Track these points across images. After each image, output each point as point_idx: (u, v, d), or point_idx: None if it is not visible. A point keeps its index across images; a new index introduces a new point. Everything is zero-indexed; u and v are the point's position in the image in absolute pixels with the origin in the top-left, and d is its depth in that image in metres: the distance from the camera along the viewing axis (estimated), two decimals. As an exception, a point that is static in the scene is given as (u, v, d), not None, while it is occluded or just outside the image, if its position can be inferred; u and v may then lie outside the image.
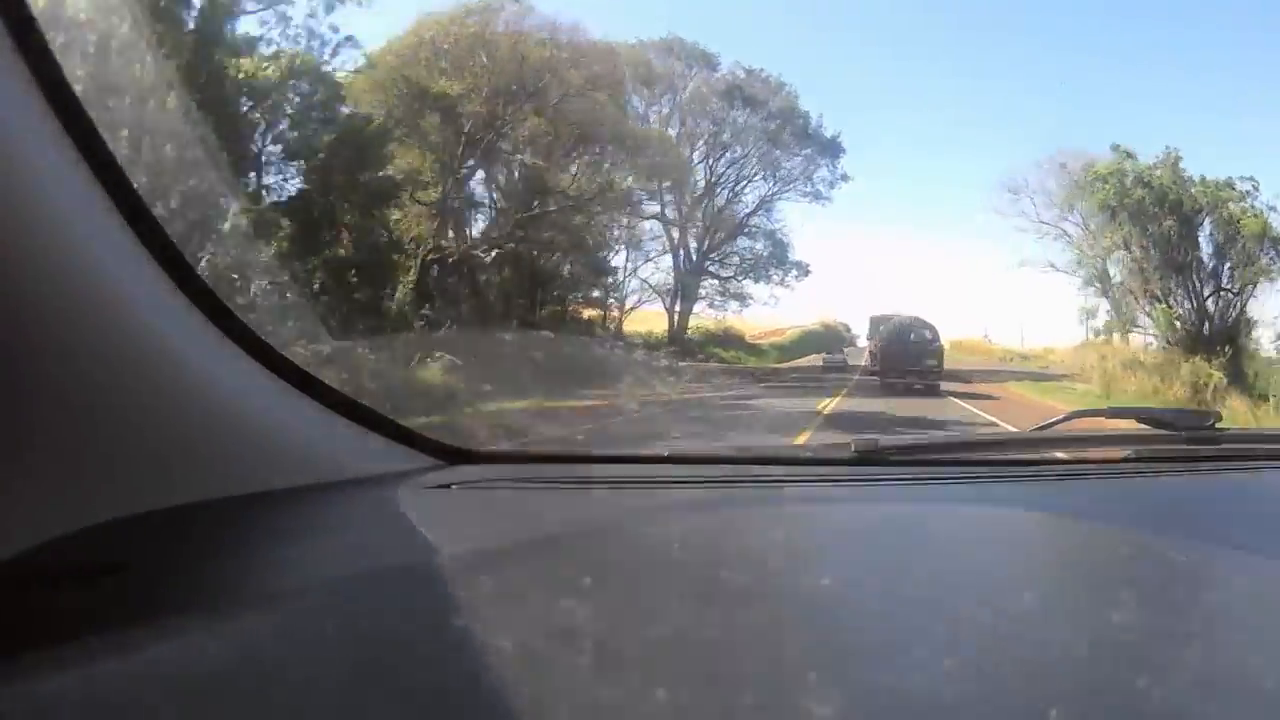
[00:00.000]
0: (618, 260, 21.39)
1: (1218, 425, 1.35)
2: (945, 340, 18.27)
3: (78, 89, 0.67)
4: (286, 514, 0.86)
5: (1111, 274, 20.21)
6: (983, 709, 0.42)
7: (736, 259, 24.94)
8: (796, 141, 24.52)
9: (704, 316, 24.54)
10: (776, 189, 24.90)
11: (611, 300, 21.52)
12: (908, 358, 15.75)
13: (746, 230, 25.15)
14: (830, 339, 28.86)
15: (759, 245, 25.08)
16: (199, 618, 0.56)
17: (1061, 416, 1.56)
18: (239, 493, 0.83)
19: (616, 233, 20.80)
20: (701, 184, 24.42)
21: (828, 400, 12.60)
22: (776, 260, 24.74)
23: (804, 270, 24.56)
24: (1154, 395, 15.30)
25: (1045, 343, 27.13)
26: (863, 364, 21.27)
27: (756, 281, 24.81)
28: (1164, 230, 17.88)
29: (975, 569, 0.70)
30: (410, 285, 13.08)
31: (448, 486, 1.04)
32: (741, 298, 24.69)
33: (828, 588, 0.60)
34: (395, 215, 13.97)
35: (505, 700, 0.42)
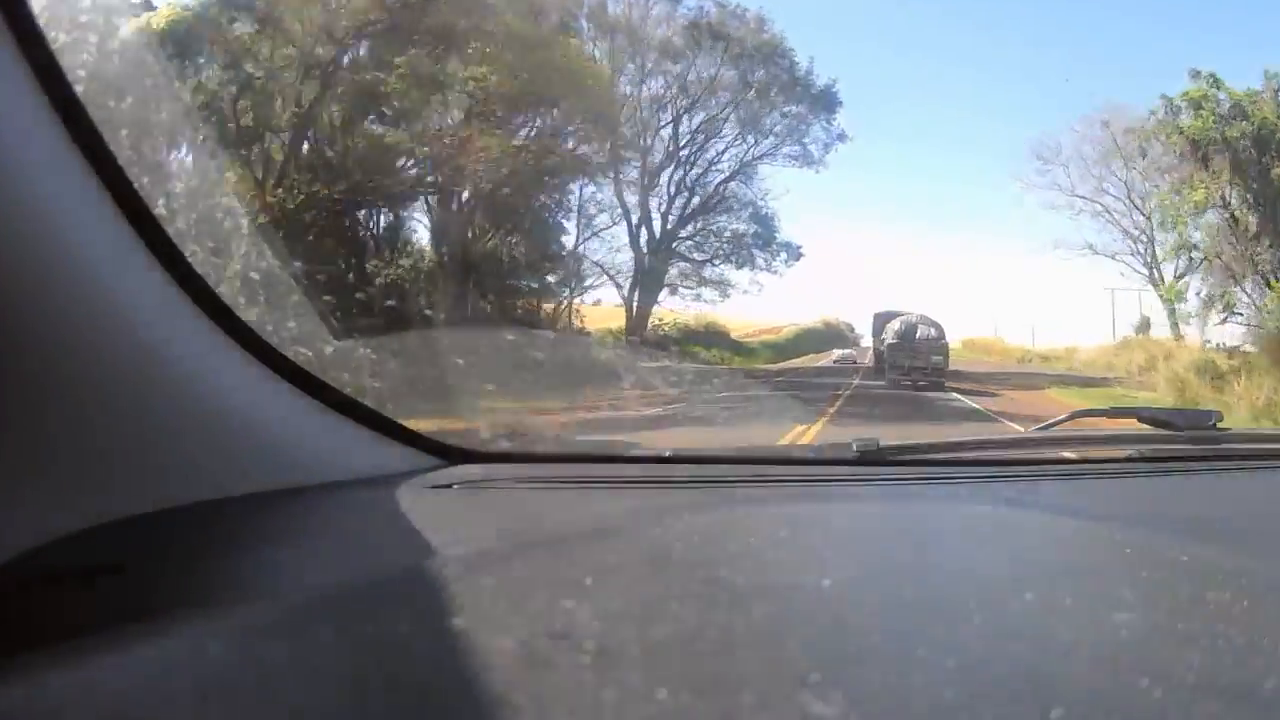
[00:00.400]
0: (559, 237, 17.11)
1: (1219, 425, 1.35)
2: (958, 339, 17.36)
3: (78, 88, 0.67)
4: (287, 514, 0.86)
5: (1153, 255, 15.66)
6: (984, 709, 0.42)
7: (712, 238, 20.00)
8: (782, 92, 19.18)
9: (681, 309, 20.08)
10: (759, 150, 19.62)
11: (551, 284, 17.21)
12: (914, 356, 15.63)
13: (722, 202, 19.78)
14: (831, 338, 25.85)
15: (740, 223, 19.83)
16: (199, 618, 0.56)
17: (1063, 416, 1.56)
18: (239, 493, 0.82)
19: (552, 198, 16.15)
20: (664, 145, 19.07)
21: (801, 429, 7.91)
22: (761, 240, 19.58)
23: (795, 253, 19.62)
24: (1268, 412, 10.95)
25: (1054, 340, 23.63)
26: (866, 364, 19.02)
27: (739, 267, 19.62)
28: (1275, 181, 13.12)
29: (976, 569, 0.70)
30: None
31: (449, 486, 1.04)
32: (721, 285, 19.73)
33: (829, 587, 0.60)
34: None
35: (506, 700, 0.42)
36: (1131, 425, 1.43)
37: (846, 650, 0.49)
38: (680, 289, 20.06)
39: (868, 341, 21.06)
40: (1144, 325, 18.30)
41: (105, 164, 0.69)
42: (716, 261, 20.02)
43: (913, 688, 0.43)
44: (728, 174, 19.93)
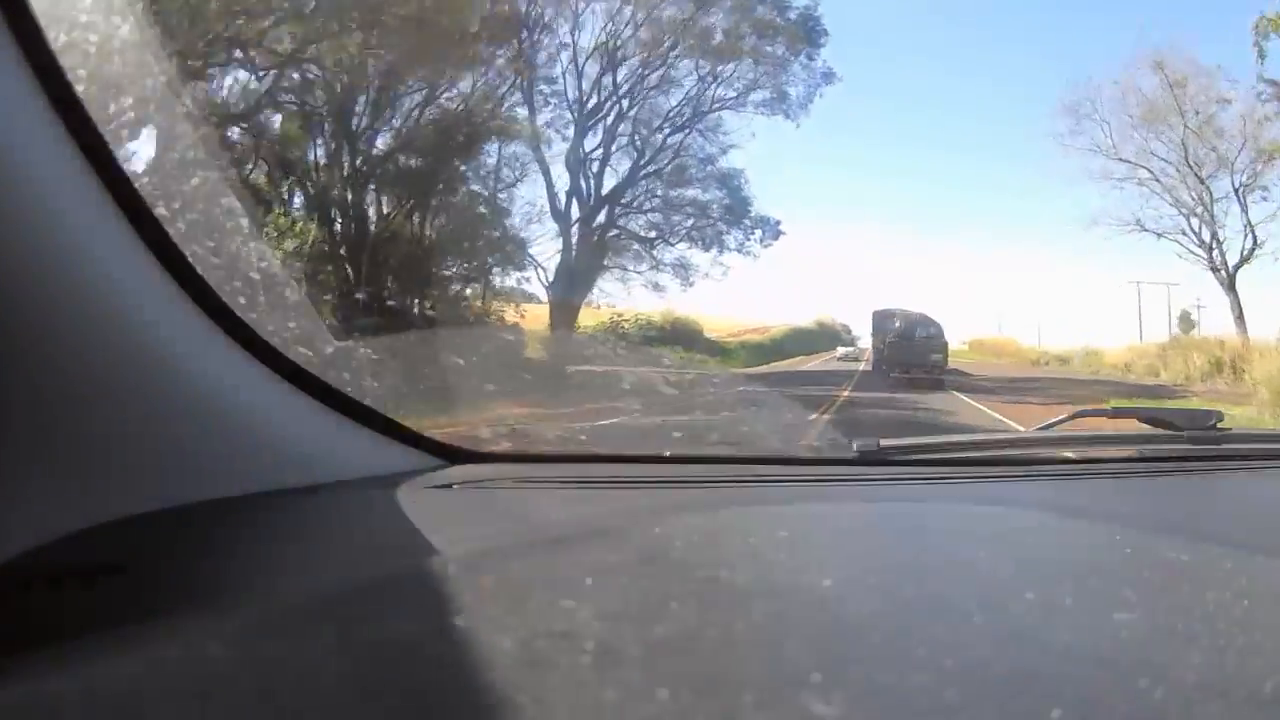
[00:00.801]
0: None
1: (1220, 425, 1.35)
2: (964, 339, 16.72)
3: (79, 88, 0.67)
4: (287, 514, 0.86)
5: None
6: (985, 709, 0.42)
7: (668, 209, 15.00)
8: (750, 21, 14.23)
9: (624, 301, 15.38)
10: (720, 92, 14.81)
11: (462, 271, 13.11)
12: (914, 354, 15.71)
13: (675, 159, 14.78)
14: (826, 338, 24.04)
15: (702, 190, 14.97)
16: (199, 618, 0.56)
17: (1064, 416, 1.56)
18: (239, 493, 0.83)
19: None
20: (600, 93, 14.27)
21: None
22: (730, 213, 15.08)
23: (773, 230, 15.34)
24: None
25: (1061, 340, 20.84)
26: (862, 368, 17.30)
27: (706, 249, 15.23)
28: None
29: (977, 569, 0.70)
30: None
31: (449, 486, 1.04)
32: (682, 269, 15.09)
33: (829, 588, 0.60)
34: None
35: (506, 700, 0.42)
36: (1132, 425, 1.43)
37: (847, 650, 0.49)
38: (630, 272, 15.11)
39: (865, 342, 20.07)
40: (1186, 321, 14.96)
41: (105, 164, 0.69)
42: (673, 239, 15.21)
43: (913, 688, 0.43)
44: (679, 124, 14.77)
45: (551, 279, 14.11)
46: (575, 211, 14.34)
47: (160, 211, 0.75)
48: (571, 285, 14.11)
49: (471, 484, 1.06)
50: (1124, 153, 13.94)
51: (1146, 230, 13.98)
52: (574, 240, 14.28)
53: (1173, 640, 0.52)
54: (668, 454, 1.27)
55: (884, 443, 1.22)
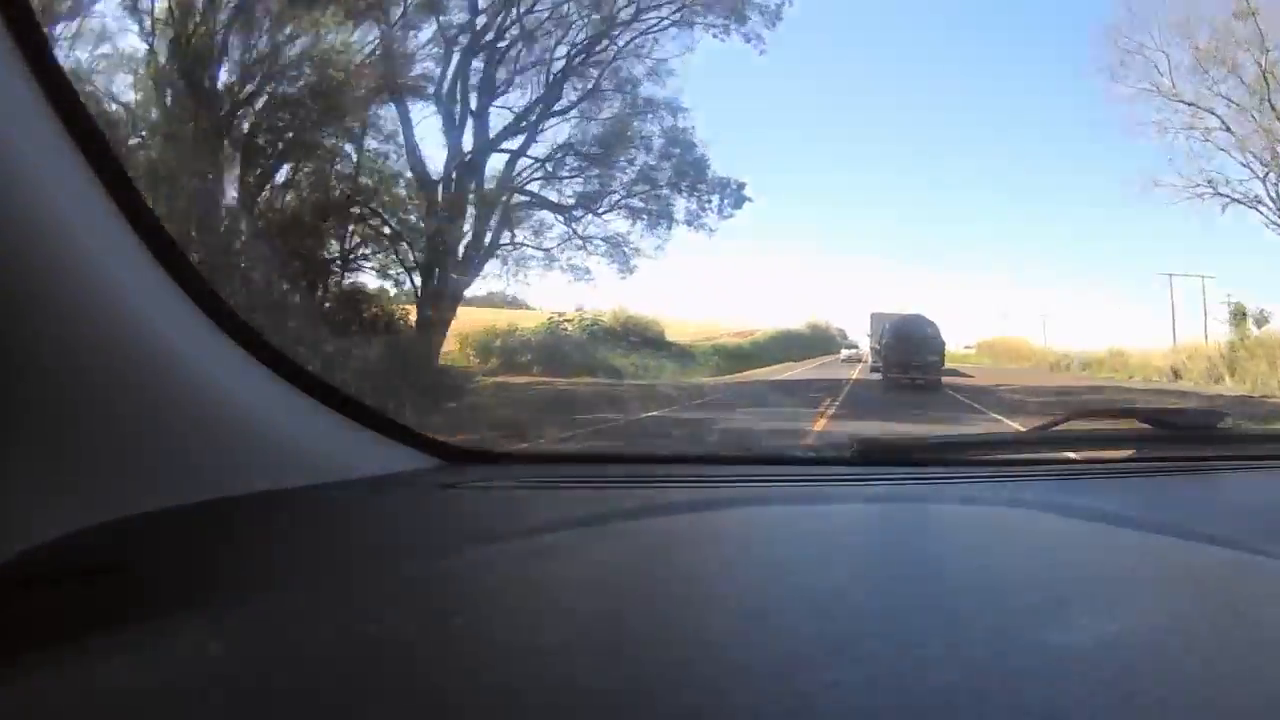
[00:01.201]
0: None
1: (1219, 425, 1.35)
2: (973, 341, 16.23)
3: (78, 88, 0.67)
4: (288, 514, 0.86)
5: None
6: (985, 709, 0.42)
7: (591, 168, 10.62)
8: None
9: (498, 296, 11.63)
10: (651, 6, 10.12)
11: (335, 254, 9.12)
12: (911, 354, 15.80)
13: (597, 103, 10.47)
14: (818, 342, 22.66)
15: (641, 143, 10.68)
16: (199, 618, 0.56)
17: (1064, 416, 1.55)
18: (242, 493, 0.83)
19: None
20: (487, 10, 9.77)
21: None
22: (682, 174, 10.79)
23: (737, 196, 11.29)
24: None
25: (1065, 340, 18.60)
26: (853, 377, 16.19)
27: (652, 226, 10.94)
28: None
29: (977, 569, 0.70)
30: None
31: (451, 487, 1.04)
32: (619, 249, 10.78)
33: (828, 587, 0.60)
34: None
35: (507, 699, 0.42)
36: (1132, 425, 1.43)
37: (847, 650, 0.49)
38: (537, 250, 10.66)
39: (862, 345, 19.89)
40: (1240, 317, 11.76)
41: (105, 164, 0.69)
42: (600, 209, 10.80)
43: (914, 687, 0.43)
44: (595, 47, 10.19)
45: (421, 261, 9.56)
46: (452, 171, 9.69)
47: (160, 212, 0.75)
48: (444, 272, 9.67)
49: (471, 484, 1.06)
50: (1184, 94, 10.49)
51: (1219, 194, 10.60)
52: (447, 209, 9.75)
53: (1172, 640, 0.52)
54: (667, 454, 1.27)
55: (884, 442, 1.23)
